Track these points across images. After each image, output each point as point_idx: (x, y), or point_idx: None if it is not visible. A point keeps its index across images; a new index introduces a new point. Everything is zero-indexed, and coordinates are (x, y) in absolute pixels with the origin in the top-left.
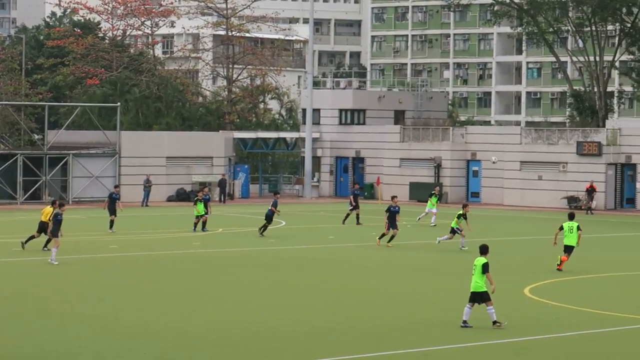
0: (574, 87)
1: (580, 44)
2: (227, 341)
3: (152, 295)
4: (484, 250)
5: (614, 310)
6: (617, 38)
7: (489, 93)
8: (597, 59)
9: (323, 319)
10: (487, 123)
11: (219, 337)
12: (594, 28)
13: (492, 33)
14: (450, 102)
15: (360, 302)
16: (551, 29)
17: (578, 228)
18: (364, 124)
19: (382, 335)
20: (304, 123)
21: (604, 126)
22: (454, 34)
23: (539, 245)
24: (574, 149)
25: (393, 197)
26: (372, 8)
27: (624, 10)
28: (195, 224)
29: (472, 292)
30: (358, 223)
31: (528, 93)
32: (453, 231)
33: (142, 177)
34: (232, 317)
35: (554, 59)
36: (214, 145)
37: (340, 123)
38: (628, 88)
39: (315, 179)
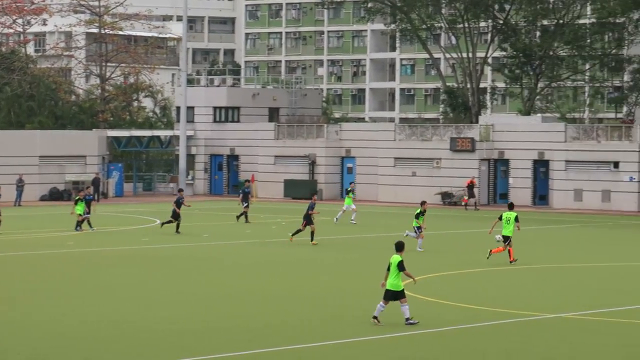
0: (447, 84)
1: (453, 41)
2: (100, 340)
3: (26, 295)
4: (399, 247)
5: (487, 305)
6: (489, 35)
7: (363, 90)
8: (470, 55)
9: (196, 317)
10: (362, 120)
11: (92, 337)
12: (466, 25)
13: (366, 30)
14: (324, 99)
15: (234, 301)
16: (424, 26)
17: (516, 219)
18: (238, 121)
19: (255, 334)
20: (178, 121)
21: (477, 122)
22: (328, 31)
23: (412, 241)
24: (448, 145)
25: (313, 195)
26: (246, 5)
27: (496, 7)
28: (78, 223)
29: (386, 290)
30: (247, 221)
31: (402, 90)
32: (416, 231)
33: (15, 176)
34: (105, 317)
35: (427, 56)
36: (87, 144)
37: (215, 121)
38: (500, 84)
39: (189, 177)
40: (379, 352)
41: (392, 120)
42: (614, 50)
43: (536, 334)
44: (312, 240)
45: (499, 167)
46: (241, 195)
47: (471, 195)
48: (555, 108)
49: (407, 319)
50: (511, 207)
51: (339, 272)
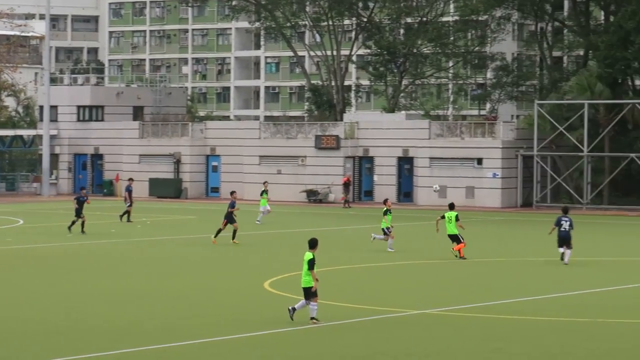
0: (312, 82)
1: (318, 39)
2: None
3: None
4: (312, 244)
5: (354, 302)
6: (353, 32)
7: (228, 88)
8: (335, 53)
9: (61, 317)
10: (227, 118)
11: None
12: (330, 23)
13: (231, 28)
14: (189, 97)
15: (98, 300)
16: (289, 24)
17: (457, 218)
18: (102, 120)
19: (119, 334)
20: (41, 120)
21: (341, 120)
22: (192, 29)
23: (280, 239)
24: (313, 142)
25: (232, 193)
26: (110, 4)
27: (360, 4)
28: None
29: (302, 288)
30: (129, 220)
31: (267, 88)
32: (385, 232)
33: None
34: None
35: (292, 54)
36: None
37: (79, 120)
38: (365, 82)
39: (53, 177)
40: (242, 351)
41: (257, 118)
42: (477, 48)
43: (397, 330)
44: (233, 239)
45: (363, 164)
46: (126, 193)
47: (347, 192)
48: (419, 105)
49: (312, 318)
50: (452, 207)
51: (205, 270)
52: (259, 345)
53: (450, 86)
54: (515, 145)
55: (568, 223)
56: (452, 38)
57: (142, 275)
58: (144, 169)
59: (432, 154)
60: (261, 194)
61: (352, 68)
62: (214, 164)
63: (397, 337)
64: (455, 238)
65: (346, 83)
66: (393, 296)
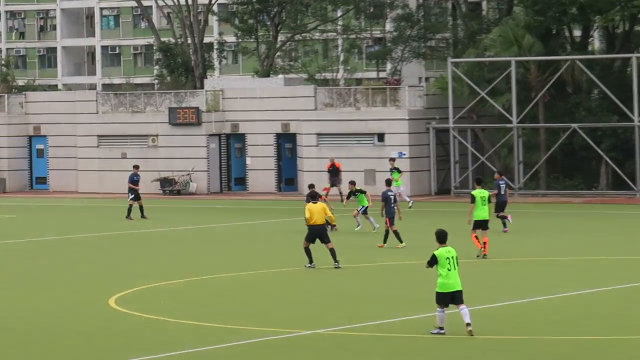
0: (162, 39)
1: None
2: None
3: None
4: (444, 237)
5: (217, 322)
6: None
7: (54, 49)
8: (190, 2)
9: None
10: (54, 87)
11: None
12: None
13: None
14: (3, 62)
15: None
16: None
17: (489, 199)
18: None
19: None
20: None
21: (202, 88)
22: None
23: (126, 243)
24: (166, 117)
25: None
26: None
27: None
28: None
29: (452, 292)
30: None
31: (104, 48)
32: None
33: None
34: None
35: (134, 4)
36: None
37: None
38: (231, 38)
39: None
40: None
41: (93, 87)
42: None
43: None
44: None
45: (232, 144)
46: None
47: (336, 182)
48: (301, 67)
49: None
50: (479, 182)
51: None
52: None
53: (339, 42)
54: (426, 115)
55: (505, 185)
56: None
57: None
58: None
59: (320, 129)
60: (354, 194)
61: (213, 21)
62: (39, 146)
63: None
64: (485, 225)
65: (206, 40)
66: (278, 312)
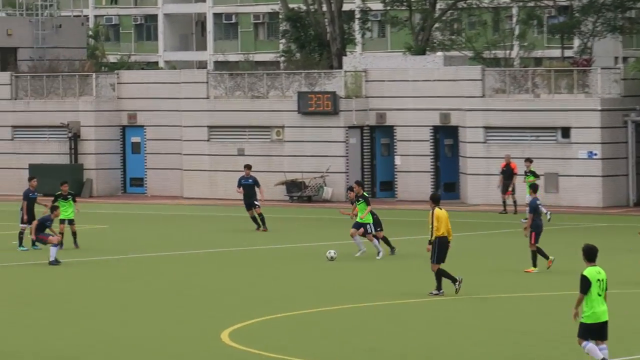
0: (291, 6)
1: None
2: None
3: None
4: (593, 255)
5: None
6: None
7: (154, 17)
8: None
9: None
10: (154, 65)
11: None
12: None
13: None
14: (90, 33)
15: None
16: None
17: None
18: None
19: None
20: None
21: (340, 68)
22: None
23: (242, 261)
24: (295, 104)
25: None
26: None
27: None
28: None
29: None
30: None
31: (217, 16)
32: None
33: None
34: None
35: None
36: None
37: None
38: (377, 5)
39: None
40: None
41: (202, 66)
42: None
43: None
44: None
45: (377, 139)
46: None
47: (507, 187)
48: (465, 43)
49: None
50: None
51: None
52: None
53: (514, 11)
54: (623, 105)
55: None
56: None
57: None
58: (20, 150)
59: (488, 121)
60: (357, 200)
61: None
62: (135, 139)
63: None
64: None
65: (346, 7)
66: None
